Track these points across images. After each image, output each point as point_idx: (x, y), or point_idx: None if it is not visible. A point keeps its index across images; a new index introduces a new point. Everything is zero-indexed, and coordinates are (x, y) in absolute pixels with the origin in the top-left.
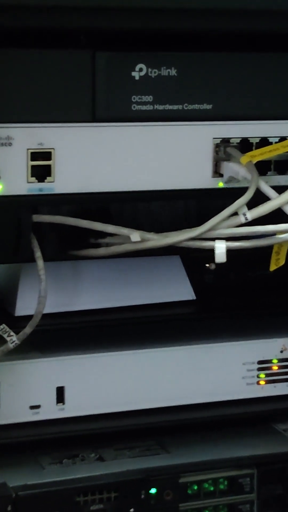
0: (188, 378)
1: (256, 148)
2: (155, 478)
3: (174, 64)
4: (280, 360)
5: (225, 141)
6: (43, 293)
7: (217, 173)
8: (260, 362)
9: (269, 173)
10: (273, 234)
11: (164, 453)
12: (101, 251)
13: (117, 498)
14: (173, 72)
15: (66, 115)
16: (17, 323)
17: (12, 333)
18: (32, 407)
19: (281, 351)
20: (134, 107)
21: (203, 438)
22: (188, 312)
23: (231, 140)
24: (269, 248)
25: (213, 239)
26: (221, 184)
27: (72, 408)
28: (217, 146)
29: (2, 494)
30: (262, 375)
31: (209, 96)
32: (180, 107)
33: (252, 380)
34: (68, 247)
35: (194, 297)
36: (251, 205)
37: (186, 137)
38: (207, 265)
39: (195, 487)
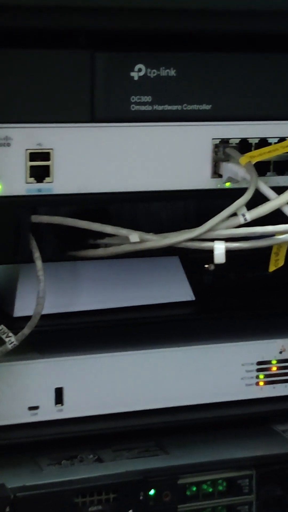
0: (187, 379)
1: (255, 148)
2: (153, 479)
3: (173, 65)
4: (279, 361)
5: (224, 142)
6: (42, 293)
7: (216, 173)
8: (259, 363)
9: (268, 173)
10: (272, 235)
11: (163, 454)
12: (100, 251)
13: (115, 499)
14: (172, 72)
15: (65, 116)
16: (16, 324)
17: (10, 334)
18: (30, 408)
19: (280, 352)
20: (133, 107)
21: (202, 439)
22: (187, 313)
23: (230, 141)
24: (268, 249)
25: (212, 240)
26: (220, 185)
27: (71, 409)
28: (216, 146)
29: (0, 495)
30: (261, 376)
31: (208, 96)
32: (179, 107)
33: (251, 381)
34: (67, 247)
35: (193, 298)
36: (250, 205)
37: (185, 137)
38: (206, 265)
39: (194, 488)
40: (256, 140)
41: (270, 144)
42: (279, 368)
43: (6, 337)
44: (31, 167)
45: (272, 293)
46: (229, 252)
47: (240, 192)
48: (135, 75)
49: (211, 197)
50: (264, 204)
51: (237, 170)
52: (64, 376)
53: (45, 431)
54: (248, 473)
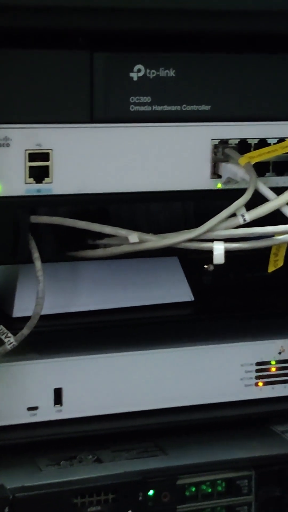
0: (186, 379)
1: (255, 149)
2: (152, 479)
3: (173, 65)
4: (278, 362)
5: (224, 142)
6: (41, 294)
7: (215, 174)
8: (258, 364)
9: (267, 174)
10: (271, 235)
11: (162, 454)
12: (99, 252)
13: (114, 500)
14: (171, 73)
15: (64, 116)
16: (15, 324)
17: (9, 334)
18: (29, 409)
19: (279, 353)
20: (132, 108)
21: (201, 440)
22: (186, 313)
23: (230, 141)
24: (268, 249)
25: (212, 241)
26: (219, 185)
27: (70, 410)
28: (215, 147)
29: (0, 495)
30: (260, 377)
31: (207, 97)
32: (178, 108)
33: (250, 382)
34: (66, 248)
35: (192, 299)
36: (249, 206)
37: (184, 138)
38: (206, 266)
39: (193, 489)
40: (256, 141)
41: (269, 144)
42: (278, 368)
43: (5, 337)
44: (31, 167)
45: (271, 293)
46: (228, 253)
47: (240, 192)
48: (134, 75)
49: (210, 198)
50: (263, 204)
51: (237, 171)
52: (63, 376)
53: (44, 432)
54: (247, 473)
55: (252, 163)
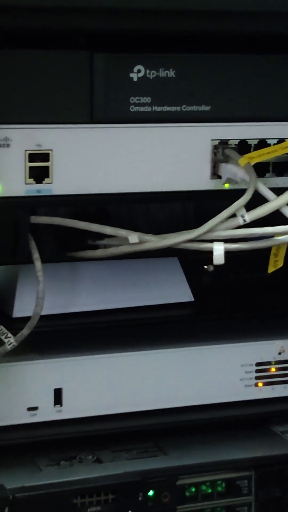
0: (186, 380)
1: (255, 149)
2: (152, 480)
3: (173, 66)
4: (278, 362)
5: (223, 143)
6: (41, 294)
7: (215, 174)
8: (258, 364)
9: (267, 174)
10: (271, 236)
11: (162, 455)
12: (99, 252)
13: (114, 500)
14: (171, 73)
15: (64, 116)
16: (15, 325)
17: (9, 335)
18: (29, 409)
19: (279, 353)
20: (132, 108)
21: (201, 440)
22: (186, 314)
23: (230, 142)
24: (268, 250)
25: (211, 241)
26: (219, 186)
27: (70, 410)
28: (215, 147)
29: (0, 495)
30: (260, 377)
31: (207, 97)
32: (178, 108)
33: (250, 382)
34: (66, 248)
35: (192, 299)
36: (249, 207)
37: (184, 138)
38: (205, 267)
39: (193, 489)
40: (255, 141)
41: (269, 145)
42: (278, 369)
43: (5, 337)
44: (31, 168)
45: (271, 294)
46: (228, 253)
47: (239, 193)
48: (134, 76)
49: (210, 198)
50: (263, 205)
51: (236, 171)
52: (63, 376)
53: (44, 432)
54: (247, 474)
55: (252, 163)
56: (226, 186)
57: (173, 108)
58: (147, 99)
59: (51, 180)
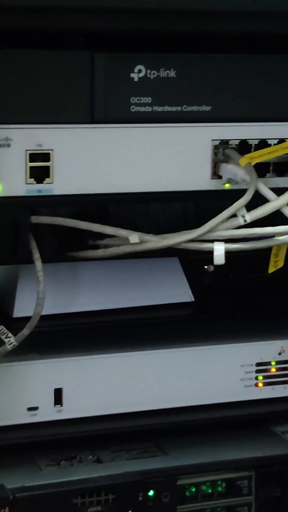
0: (186, 380)
1: (255, 150)
2: (153, 480)
3: (173, 66)
4: (278, 362)
5: (224, 143)
6: (41, 294)
7: (216, 174)
8: (258, 364)
9: (268, 175)
10: (272, 236)
11: (162, 455)
12: (100, 252)
13: (114, 500)
14: (172, 73)
15: (65, 117)
16: (15, 325)
17: (10, 335)
18: (29, 409)
19: (279, 353)
20: (133, 108)
21: (201, 440)
22: (187, 314)
23: (230, 142)
24: (268, 250)
25: (212, 241)
26: (220, 186)
27: (70, 410)
28: (216, 147)
29: (0, 495)
30: (260, 377)
31: (208, 97)
32: (179, 108)
33: (250, 382)
34: (66, 248)
35: (193, 299)
36: (250, 207)
37: (185, 138)
38: (206, 267)
39: (193, 489)
40: (256, 141)
41: (269, 145)
42: (278, 369)
43: (6, 337)
44: (31, 168)
45: (271, 294)
46: (228, 253)
47: (240, 193)
48: (135, 76)
49: (210, 198)
50: (263, 205)
51: (237, 171)
52: (63, 376)
53: (44, 432)
54: (247, 474)
55: (253, 163)
56: (227, 186)
57: (174, 108)
58: (148, 99)
59: (51, 180)
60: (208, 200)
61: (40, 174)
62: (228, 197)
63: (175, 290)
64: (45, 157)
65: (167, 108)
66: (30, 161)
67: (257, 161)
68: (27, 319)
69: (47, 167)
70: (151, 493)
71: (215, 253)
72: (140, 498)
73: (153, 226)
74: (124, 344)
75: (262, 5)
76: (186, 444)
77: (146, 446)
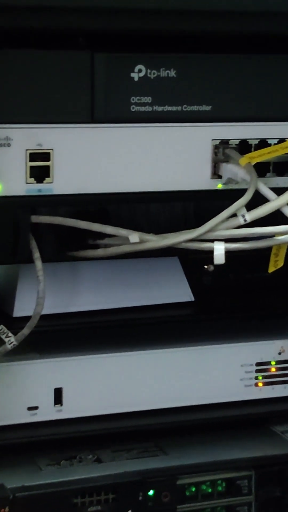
0: (186, 379)
1: (255, 149)
2: (153, 479)
3: (174, 65)
4: (278, 362)
5: (224, 143)
6: (42, 294)
7: (216, 174)
8: (258, 364)
9: (268, 174)
10: (272, 235)
11: (162, 454)
12: (100, 252)
13: (114, 499)
14: (172, 73)
15: (65, 116)
16: (15, 324)
17: (10, 334)
18: (29, 408)
19: (279, 353)
20: (133, 108)
21: (201, 440)
22: (186, 313)
23: (230, 142)
24: (268, 249)
25: (212, 241)
26: (220, 186)
27: (70, 410)
28: (216, 147)
29: (0, 495)
30: (260, 377)
31: (208, 97)
32: (179, 108)
33: (250, 382)
34: (66, 248)
35: (193, 299)
36: (250, 206)
37: (185, 138)
38: (206, 266)
39: (193, 489)
40: (256, 141)
41: (269, 145)
42: (278, 369)
43: (6, 337)
44: (31, 167)
45: (271, 294)
46: (228, 253)
47: (240, 193)
48: (135, 75)
49: (210, 198)
50: (263, 205)
51: (237, 171)
52: (63, 376)
53: (44, 431)
54: (247, 473)
55: (253, 163)
56: (227, 186)
57: (174, 108)
58: (148, 99)
59: (51, 180)
60: (208, 199)
61: (40, 173)
62: (228, 197)
63: (175, 289)
64: (45, 156)
65: (167, 108)
66: (30, 160)
67: (257, 161)
68: (27, 318)
69: (47, 167)
70: (151, 492)
71: (215, 253)
72: (140, 498)
73: (153, 226)
74: (124, 344)
75: (262, 5)
76: (186, 444)
77: (146, 446)
